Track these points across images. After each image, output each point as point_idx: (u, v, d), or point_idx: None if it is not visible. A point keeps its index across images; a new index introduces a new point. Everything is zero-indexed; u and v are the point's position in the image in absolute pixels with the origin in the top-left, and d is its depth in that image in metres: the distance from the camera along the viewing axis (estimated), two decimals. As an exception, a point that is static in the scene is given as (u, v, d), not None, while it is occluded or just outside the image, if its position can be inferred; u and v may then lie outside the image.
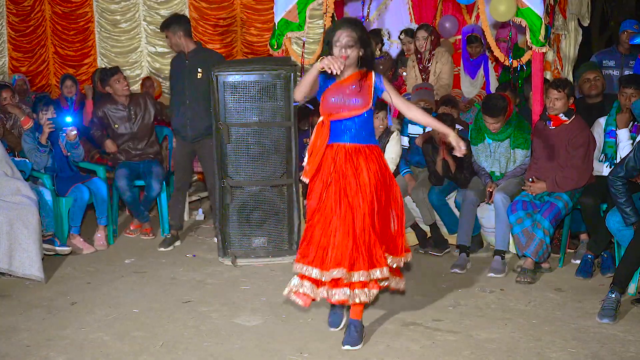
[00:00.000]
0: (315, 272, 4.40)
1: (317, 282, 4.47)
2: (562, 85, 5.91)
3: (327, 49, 4.38)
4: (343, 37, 4.32)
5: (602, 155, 6.12)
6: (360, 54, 4.39)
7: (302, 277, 4.50)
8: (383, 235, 4.52)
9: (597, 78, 6.17)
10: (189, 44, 6.93)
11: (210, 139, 6.63)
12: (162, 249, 7.01)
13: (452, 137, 4.51)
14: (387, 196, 4.57)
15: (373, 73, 4.50)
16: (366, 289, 4.45)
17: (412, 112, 4.63)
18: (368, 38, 4.47)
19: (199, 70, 6.80)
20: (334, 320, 4.87)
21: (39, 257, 5.99)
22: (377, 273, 4.40)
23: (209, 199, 7.52)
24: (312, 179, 4.54)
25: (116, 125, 7.29)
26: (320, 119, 4.52)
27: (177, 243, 7.13)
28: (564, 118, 5.92)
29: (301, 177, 4.58)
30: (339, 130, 4.49)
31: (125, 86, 7.30)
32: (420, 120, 4.76)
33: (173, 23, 6.92)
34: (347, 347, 4.53)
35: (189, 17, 7.70)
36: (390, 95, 4.54)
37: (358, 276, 4.36)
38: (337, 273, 4.34)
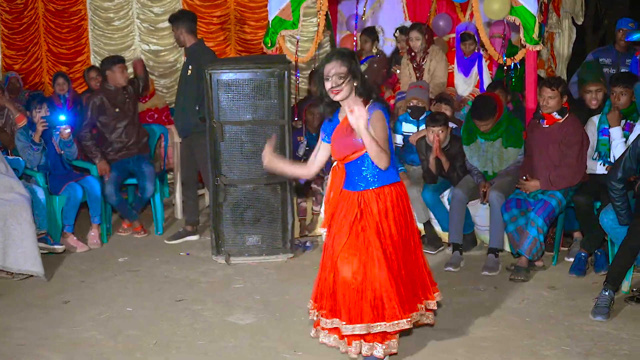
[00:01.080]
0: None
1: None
2: (556, 84, 5.91)
3: (320, 86, 4.17)
4: (332, 70, 4.08)
5: (596, 153, 6.14)
6: (355, 84, 4.12)
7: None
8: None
9: (599, 90, 6.13)
10: (189, 40, 7.06)
11: (201, 136, 6.65)
12: (169, 241, 7.11)
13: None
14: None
15: (369, 104, 4.17)
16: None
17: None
18: (358, 69, 4.18)
19: (189, 67, 6.94)
20: None
21: (34, 252, 6.00)
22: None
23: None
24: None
25: (117, 109, 7.27)
26: (334, 163, 4.28)
27: (192, 237, 7.16)
28: (557, 117, 5.93)
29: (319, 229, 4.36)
30: (353, 174, 4.21)
31: (126, 77, 7.42)
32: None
33: (176, 19, 7.11)
34: None
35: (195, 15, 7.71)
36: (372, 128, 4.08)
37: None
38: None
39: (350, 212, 4.19)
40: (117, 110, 7.30)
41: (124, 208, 7.34)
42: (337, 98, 4.10)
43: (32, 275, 6.05)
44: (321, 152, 4.35)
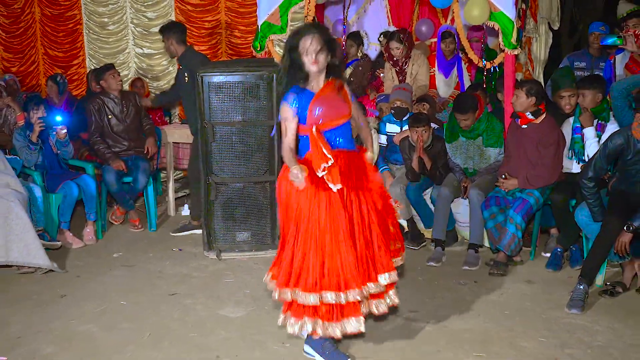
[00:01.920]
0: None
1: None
2: (521, 85, 6.07)
3: (289, 57, 4.22)
4: (313, 42, 4.17)
5: (570, 151, 6.21)
6: (329, 59, 4.24)
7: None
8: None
9: (572, 96, 6.22)
10: (179, 49, 7.34)
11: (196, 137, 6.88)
12: (174, 234, 7.33)
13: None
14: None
15: (345, 83, 4.42)
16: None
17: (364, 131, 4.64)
18: (334, 41, 4.32)
19: (185, 74, 7.19)
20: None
21: (36, 245, 6.07)
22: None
23: None
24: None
25: (110, 116, 7.49)
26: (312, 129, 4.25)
27: (197, 231, 7.21)
28: (530, 117, 6.03)
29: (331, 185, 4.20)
30: (330, 141, 4.29)
31: (119, 81, 7.60)
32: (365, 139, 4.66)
33: (166, 30, 7.40)
34: None
35: (185, 26, 7.87)
36: (356, 108, 4.49)
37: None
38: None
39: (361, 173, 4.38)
40: (115, 114, 7.51)
41: (122, 196, 7.45)
42: (314, 69, 4.20)
43: (51, 270, 6.14)
44: (294, 127, 4.27)
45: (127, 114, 7.59)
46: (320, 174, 4.16)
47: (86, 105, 7.69)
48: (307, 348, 4.49)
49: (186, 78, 7.24)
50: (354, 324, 4.18)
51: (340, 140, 4.33)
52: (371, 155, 4.53)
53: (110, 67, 7.64)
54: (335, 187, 4.16)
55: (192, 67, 6.87)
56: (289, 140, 4.25)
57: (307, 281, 4.13)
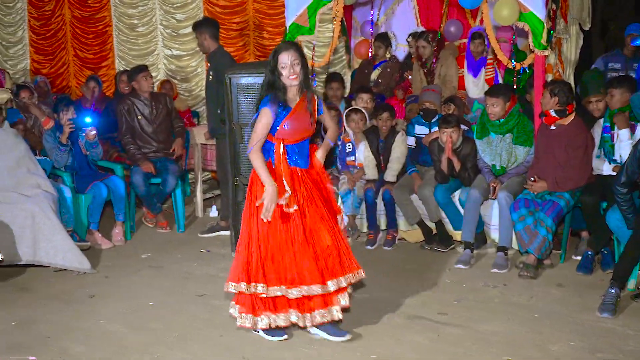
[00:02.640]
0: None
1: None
2: (547, 84, 6.13)
3: (271, 76, 4.57)
4: (290, 57, 4.51)
5: (599, 150, 6.16)
6: (304, 72, 4.60)
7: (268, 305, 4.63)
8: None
9: (599, 101, 6.23)
10: (212, 46, 7.33)
11: (221, 138, 6.95)
12: (203, 234, 7.34)
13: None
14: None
15: (315, 96, 4.76)
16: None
17: (330, 132, 4.93)
18: (305, 57, 4.65)
19: (210, 73, 7.22)
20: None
21: (65, 247, 6.13)
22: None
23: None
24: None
25: (139, 117, 7.54)
26: (275, 143, 4.64)
27: (225, 232, 7.24)
28: (553, 114, 6.02)
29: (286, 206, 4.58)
30: (292, 154, 4.68)
31: (151, 83, 7.68)
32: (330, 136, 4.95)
33: (200, 25, 7.42)
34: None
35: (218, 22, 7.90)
36: (325, 118, 4.89)
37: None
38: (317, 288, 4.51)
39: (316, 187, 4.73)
40: (145, 115, 7.56)
41: (150, 199, 7.50)
42: (294, 83, 4.55)
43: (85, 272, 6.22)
44: (265, 134, 4.61)
45: (157, 115, 7.62)
46: (280, 202, 4.52)
47: (116, 107, 7.76)
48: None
49: (210, 77, 7.26)
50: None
51: (297, 157, 4.68)
52: (321, 153, 4.86)
53: (143, 68, 7.70)
54: (291, 210, 4.55)
55: (220, 67, 6.92)
56: (260, 144, 4.59)
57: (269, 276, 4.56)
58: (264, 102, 4.57)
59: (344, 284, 4.59)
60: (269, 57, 4.65)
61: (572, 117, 6.04)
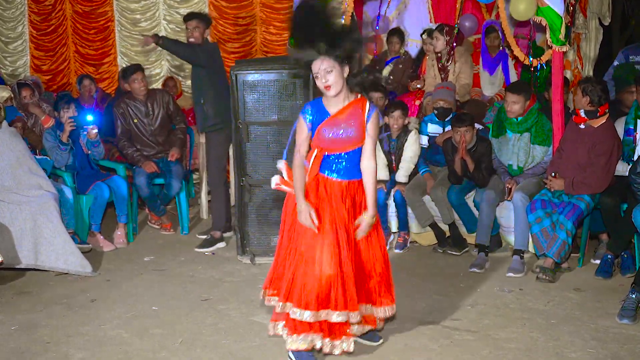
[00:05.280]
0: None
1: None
2: (580, 82, 6.02)
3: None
4: (320, 65, 4.07)
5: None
6: (344, 76, 4.14)
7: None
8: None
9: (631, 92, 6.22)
10: (198, 38, 7.00)
11: (213, 134, 6.90)
12: (198, 249, 6.94)
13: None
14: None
15: (368, 103, 4.24)
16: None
17: (368, 164, 4.33)
18: (349, 49, 4.13)
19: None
20: None
21: (66, 250, 6.08)
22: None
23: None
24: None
25: (135, 120, 7.39)
26: (315, 152, 4.28)
27: (220, 245, 6.99)
28: (582, 115, 5.95)
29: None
30: (331, 164, 4.28)
31: (143, 86, 7.39)
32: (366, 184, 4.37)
33: (201, 16, 7.10)
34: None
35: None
36: (369, 133, 4.25)
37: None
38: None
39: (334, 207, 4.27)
40: (140, 117, 7.41)
41: (153, 202, 7.44)
42: (331, 94, 4.12)
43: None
44: (306, 144, 4.28)
45: (154, 116, 7.45)
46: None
47: (112, 109, 7.65)
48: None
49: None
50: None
51: (342, 166, 4.27)
52: (369, 218, 4.34)
53: (136, 69, 7.44)
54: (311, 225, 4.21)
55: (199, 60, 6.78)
56: (302, 155, 4.25)
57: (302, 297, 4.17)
58: (302, 109, 4.26)
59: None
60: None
61: (602, 120, 5.95)
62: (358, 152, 4.27)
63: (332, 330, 4.24)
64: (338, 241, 4.18)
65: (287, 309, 4.20)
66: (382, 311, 4.47)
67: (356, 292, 4.19)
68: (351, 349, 4.25)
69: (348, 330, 4.27)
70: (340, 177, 4.28)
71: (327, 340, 4.23)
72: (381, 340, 4.61)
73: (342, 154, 4.25)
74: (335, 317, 4.13)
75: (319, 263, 4.15)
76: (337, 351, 4.24)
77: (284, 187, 4.36)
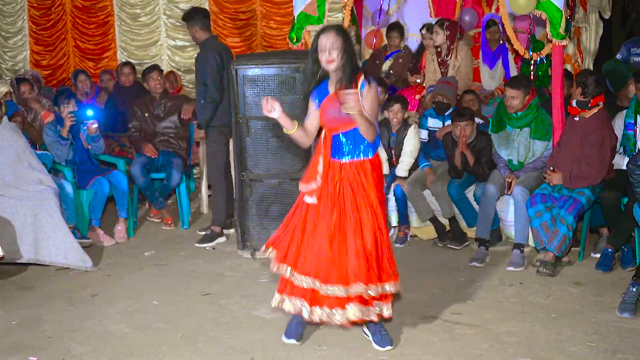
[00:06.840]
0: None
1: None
2: (578, 74, 6.03)
3: (311, 60, 4.35)
4: (328, 40, 4.23)
5: (621, 147, 6.09)
6: (344, 59, 4.27)
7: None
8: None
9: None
10: (203, 36, 7.04)
11: (211, 130, 6.90)
12: (198, 244, 6.95)
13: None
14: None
15: (362, 75, 4.35)
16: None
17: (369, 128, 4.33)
18: (351, 46, 4.36)
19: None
20: (296, 331, 4.63)
21: (66, 245, 6.08)
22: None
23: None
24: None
25: (146, 114, 7.53)
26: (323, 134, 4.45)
27: (220, 240, 6.99)
28: (574, 105, 5.95)
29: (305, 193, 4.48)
30: (338, 144, 4.40)
31: (158, 84, 7.62)
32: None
33: (189, 18, 7.06)
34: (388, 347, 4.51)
35: (208, 10, 7.75)
36: (364, 107, 4.24)
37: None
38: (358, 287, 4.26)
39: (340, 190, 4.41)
40: (153, 114, 7.55)
41: (151, 192, 7.43)
42: (331, 68, 4.28)
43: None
44: (313, 119, 4.46)
45: (163, 115, 7.61)
46: (305, 188, 4.47)
47: (128, 100, 7.81)
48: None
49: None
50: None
51: (343, 145, 4.40)
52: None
53: (153, 68, 7.71)
54: (309, 200, 4.45)
55: (207, 59, 6.77)
56: (308, 131, 4.49)
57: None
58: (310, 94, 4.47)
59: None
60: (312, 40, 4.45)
61: (594, 110, 5.94)
62: (355, 132, 4.35)
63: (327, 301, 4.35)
64: (335, 223, 4.35)
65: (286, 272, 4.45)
66: (374, 290, 4.32)
67: (346, 271, 4.28)
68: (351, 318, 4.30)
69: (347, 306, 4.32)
70: (339, 157, 4.41)
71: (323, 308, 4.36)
72: (389, 347, 4.47)
73: (340, 133, 4.37)
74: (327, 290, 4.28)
75: (317, 241, 4.36)
76: (337, 318, 4.33)
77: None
